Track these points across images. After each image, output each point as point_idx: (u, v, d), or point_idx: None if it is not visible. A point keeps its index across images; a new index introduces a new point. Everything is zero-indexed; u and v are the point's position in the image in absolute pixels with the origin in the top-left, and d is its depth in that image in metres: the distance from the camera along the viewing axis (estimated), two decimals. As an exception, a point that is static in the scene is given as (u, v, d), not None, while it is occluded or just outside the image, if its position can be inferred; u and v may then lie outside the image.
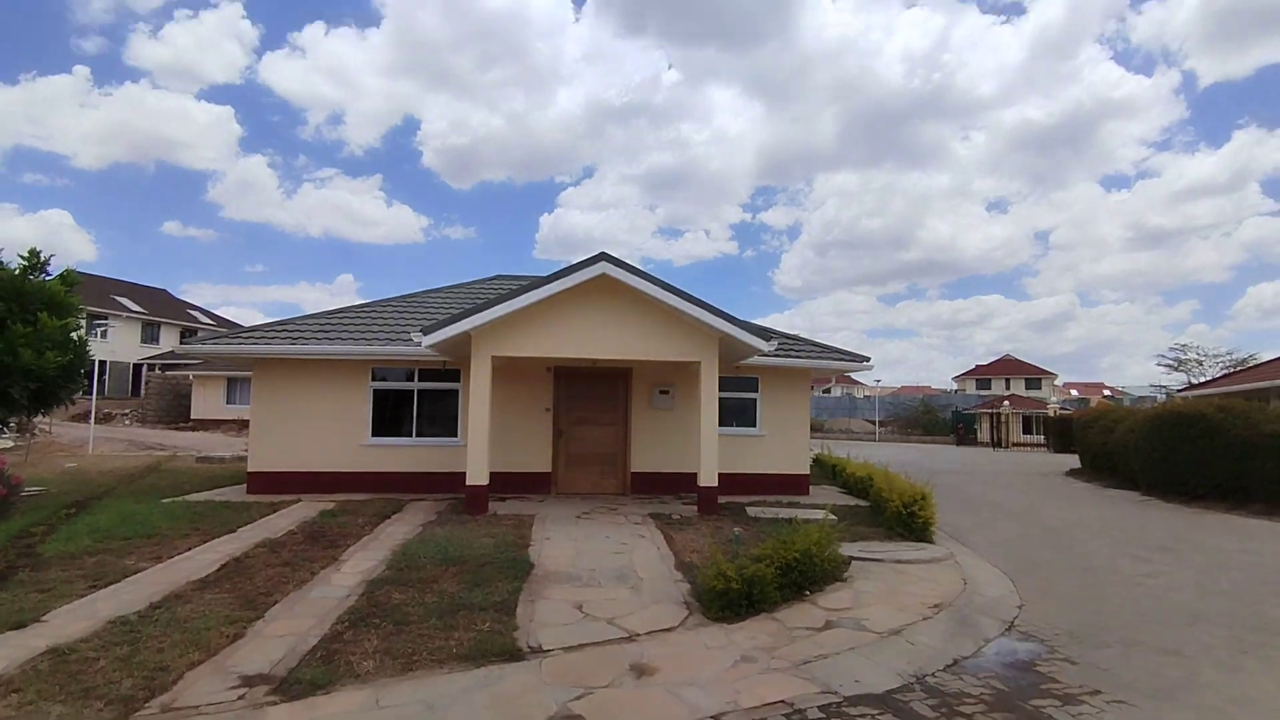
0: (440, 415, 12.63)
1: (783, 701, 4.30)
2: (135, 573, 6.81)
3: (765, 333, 10.06)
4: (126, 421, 33.96)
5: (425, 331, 9.59)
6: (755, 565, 6.12)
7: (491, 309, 9.61)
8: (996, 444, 40.93)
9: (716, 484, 10.35)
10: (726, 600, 5.85)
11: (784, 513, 10.31)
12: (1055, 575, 7.79)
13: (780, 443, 12.94)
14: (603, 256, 9.82)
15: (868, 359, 12.73)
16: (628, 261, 9.95)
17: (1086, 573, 7.95)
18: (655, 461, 12.58)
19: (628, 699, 4.31)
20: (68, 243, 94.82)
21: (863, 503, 11.98)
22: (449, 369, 12.45)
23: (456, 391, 12.53)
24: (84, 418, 31.75)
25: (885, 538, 9.13)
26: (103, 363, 44.57)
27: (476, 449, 9.98)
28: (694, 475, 11.84)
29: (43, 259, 10.66)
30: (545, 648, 5.12)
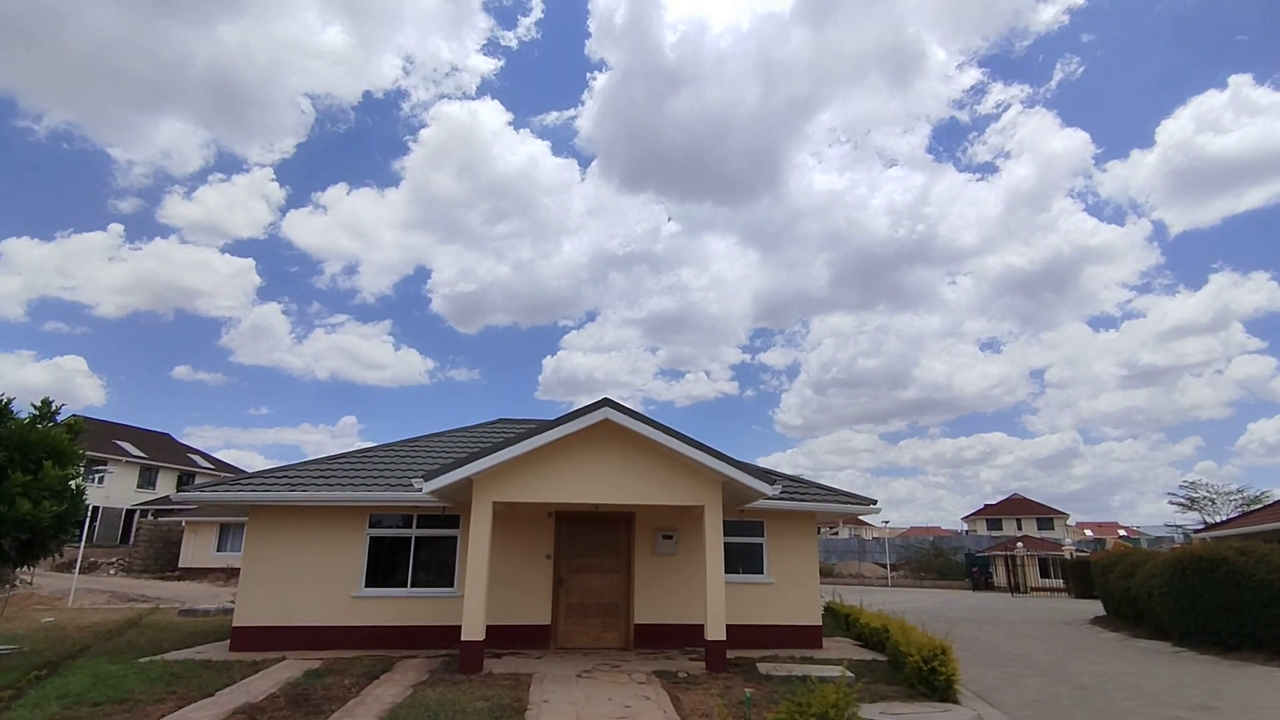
0: (437, 563, 12.25)
1: None
2: (103, 744, 6.34)
3: (769, 476, 9.98)
4: (111, 570, 32.83)
5: (427, 478, 9.53)
6: (770, 731, 5.70)
7: (494, 455, 9.61)
8: (1014, 589, 39.23)
9: (724, 637, 9.85)
10: (739, 773, 5.41)
11: (797, 669, 9.73)
12: (1092, 740, 7.22)
13: (790, 590, 12.43)
14: (605, 402, 9.95)
15: (874, 501, 12.51)
16: (630, 406, 10.08)
17: (1126, 737, 7.38)
18: (660, 612, 12.03)
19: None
20: (78, 388, 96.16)
21: (880, 657, 11.33)
22: (448, 515, 12.23)
23: (455, 538, 12.24)
24: (68, 567, 30.79)
25: (907, 697, 8.56)
26: (96, 508, 43.78)
27: (473, 601, 9.60)
28: (700, 626, 11.30)
29: (53, 409, 10.80)
30: (542, 831, 4.68)
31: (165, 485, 46.61)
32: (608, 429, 10.12)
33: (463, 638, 9.50)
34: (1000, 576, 42.85)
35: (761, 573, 12.60)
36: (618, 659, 10.85)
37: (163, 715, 7.36)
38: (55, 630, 15.29)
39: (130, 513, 43.93)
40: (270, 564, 11.59)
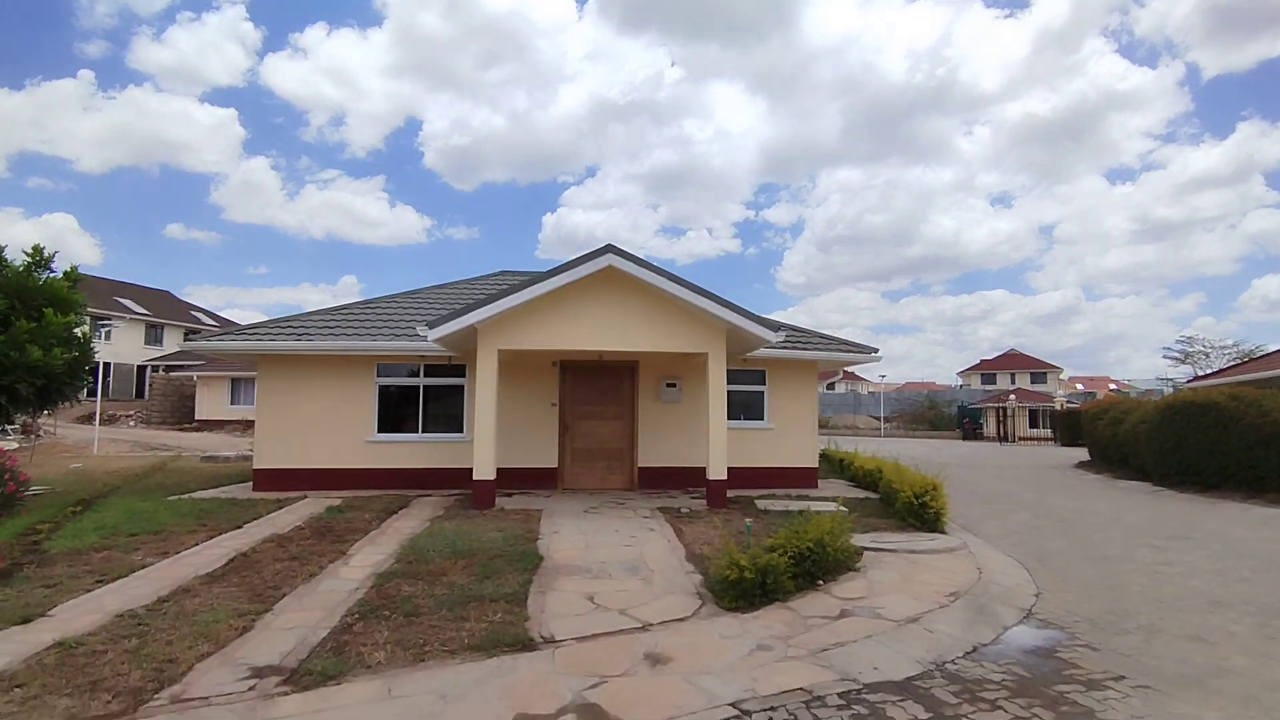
0: (446, 411, 12.57)
1: (801, 689, 4.22)
2: (142, 568, 6.75)
3: (772, 323, 9.97)
4: (131, 423, 34.00)
5: (431, 325, 9.52)
6: (769, 555, 6.03)
7: (497, 302, 9.54)
8: (1003, 438, 40.79)
9: (725, 477, 10.27)
10: (740, 590, 5.77)
11: (794, 505, 10.23)
12: (1071, 564, 7.69)
13: (789, 436, 12.85)
14: (609, 248, 9.73)
15: (875, 350, 12.62)
16: (634, 253, 9.86)
17: (1103, 562, 7.85)
18: (663, 456, 12.50)
19: (644, 688, 4.23)
20: (72, 246, 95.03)
21: (873, 495, 11.88)
22: (454, 365, 12.38)
23: (462, 387, 12.47)
24: (88, 419, 31.81)
25: (897, 529, 9.04)
26: (107, 364, 44.59)
27: (483, 443, 9.91)
28: (702, 470, 11.77)
29: (46, 256, 10.62)
30: (558, 638, 5.05)
31: (172, 342, 47.18)
32: (611, 276, 9.98)
33: (474, 477, 9.91)
34: (990, 427, 44.41)
35: (762, 419, 12.96)
36: (623, 498, 11.38)
37: (196, 543, 7.80)
38: (84, 474, 16.00)
39: (141, 368, 44.82)
40: (282, 411, 11.89)
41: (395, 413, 12.36)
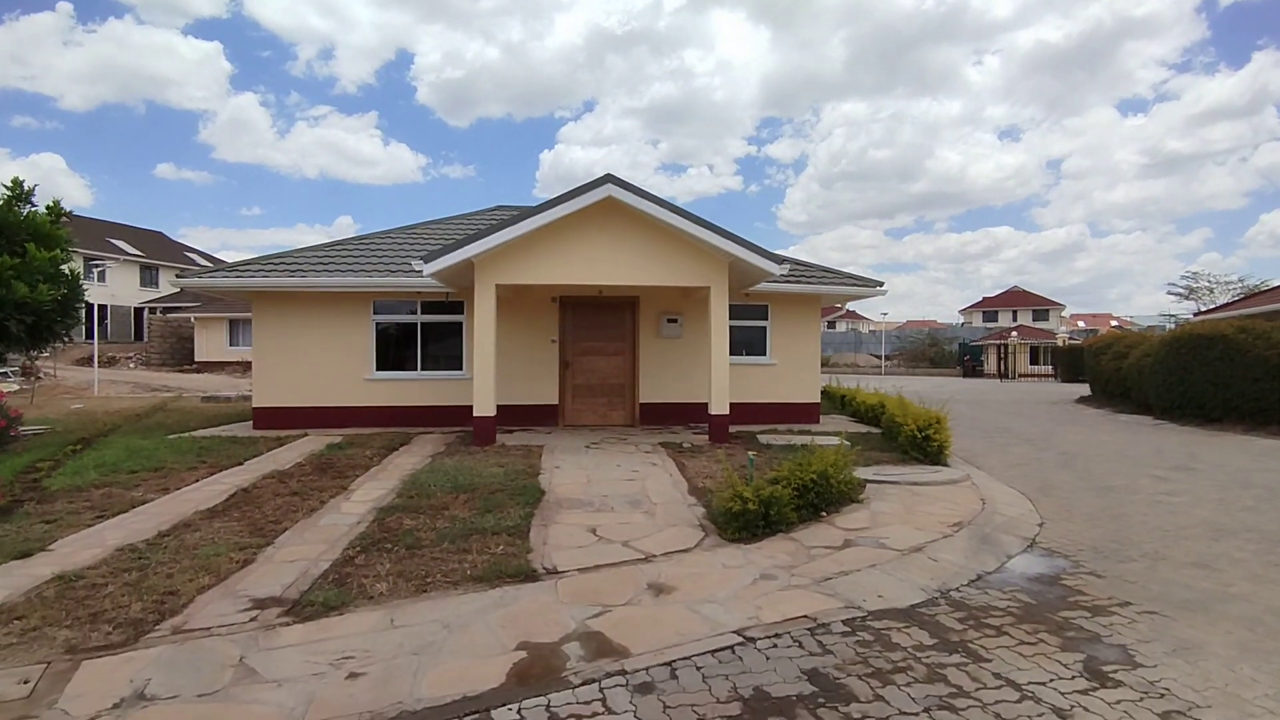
0: (445, 349, 12.44)
1: (805, 616, 4.20)
2: (143, 503, 6.73)
3: (776, 256, 9.72)
4: (131, 365, 33.99)
5: (426, 260, 9.28)
6: (772, 487, 5.98)
7: (494, 235, 9.28)
8: (1004, 375, 40.86)
9: (728, 412, 10.21)
10: (743, 521, 5.74)
11: (797, 439, 10.20)
12: (1074, 495, 7.68)
13: (791, 371, 12.75)
14: (608, 178, 9.41)
15: (880, 283, 12.39)
16: (635, 184, 9.54)
17: (1106, 492, 7.83)
18: (664, 392, 12.43)
19: (647, 616, 4.21)
20: (62, 188, 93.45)
21: (875, 430, 11.86)
22: (452, 301, 12.19)
23: (461, 324, 12.30)
24: (87, 361, 31.79)
25: (900, 462, 9.01)
26: (103, 306, 44.36)
27: (483, 380, 9.81)
28: (704, 405, 11.72)
29: (27, 189, 10.29)
30: (560, 569, 5.02)
31: (167, 284, 46.64)
32: (611, 208, 9.68)
33: (474, 414, 9.84)
34: (991, 364, 44.45)
35: (764, 355, 12.84)
36: (624, 434, 11.36)
37: (197, 480, 7.78)
38: (84, 414, 16.01)
39: (139, 310, 44.60)
40: (279, 349, 11.76)
41: (394, 350, 12.23)
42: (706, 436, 10.71)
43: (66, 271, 10.29)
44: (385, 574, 4.86)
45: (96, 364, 25.63)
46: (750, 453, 7.10)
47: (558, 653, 3.71)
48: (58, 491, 7.21)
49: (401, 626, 4.05)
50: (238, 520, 6.15)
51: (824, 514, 6.44)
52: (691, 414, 12.31)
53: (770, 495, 5.86)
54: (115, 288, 44.29)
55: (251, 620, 4.12)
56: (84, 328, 30.49)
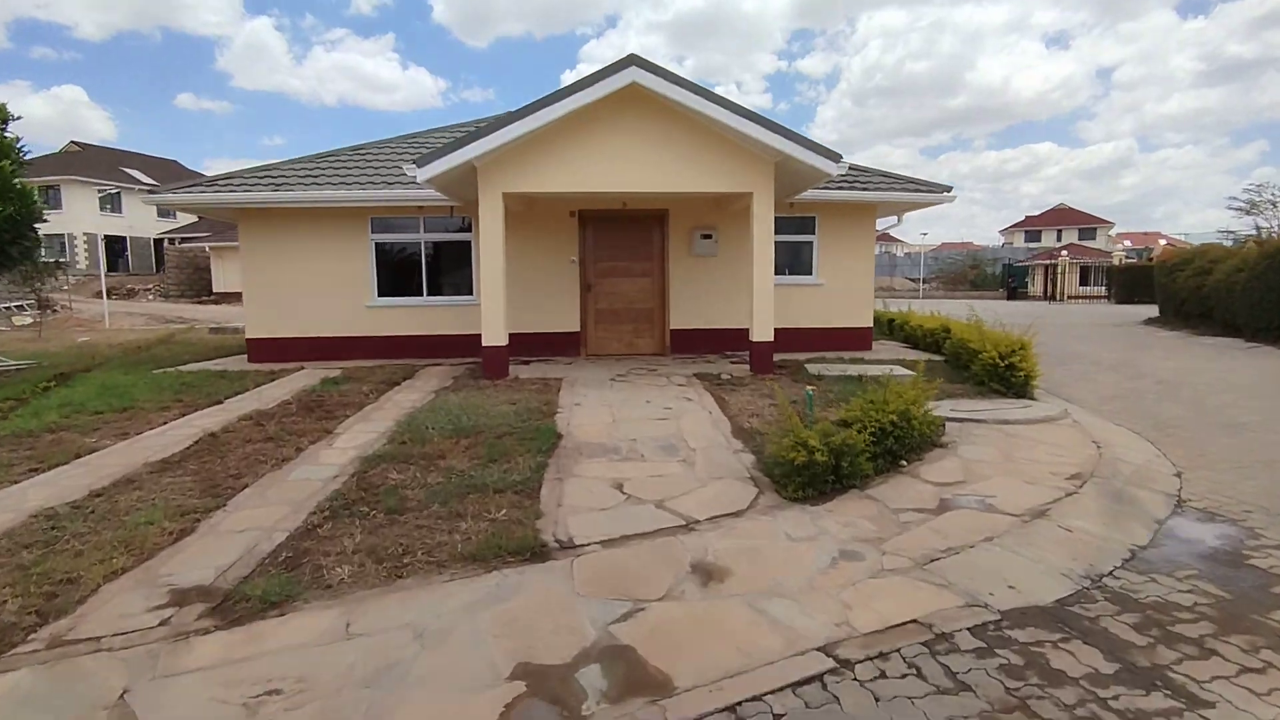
0: (453, 271, 11.20)
1: (915, 622, 3.02)
2: (91, 453, 5.73)
3: (833, 153, 8.17)
4: (149, 297, 33.44)
5: (420, 163, 7.92)
6: (843, 431, 4.74)
7: (498, 132, 7.85)
8: (1051, 296, 38.66)
9: (772, 339, 8.90)
10: (808, 476, 4.53)
11: (851, 369, 8.90)
12: (1201, 435, 6.34)
13: (840, 292, 11.31)
14: (632, 59, 7.86)
15: (948, 188, 10.76)
16: (664, 67, 7.98)
17: (1237, 431, 6.48)
18: (697, 316, 11.12)
19: (694, 619, 3.07)
20: (84, 120, 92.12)
21: (936, 357, 10.49)
22: (459, 217, 10.86)
23: (469, 244, 11.01)
24: (110, 293, 31.25)
25: (977, 395, 7.71)
26: (122, 238, 43.78)
27: (492, 305, 8.59)
28: (742, 331, 10.42)
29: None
30: (577, 541, 3.90)
31: (184, 214, 45.74)
32: (635, 97, 8.17)
33: (483, 343, 8.68)
34: (1037, 286, 42.16)
35: (810, 274, 11.39)
36: (653, 364, 10.15)
37: (165, 422, 6.78)
38: (87, 348, 15.23)
39: (158, 241, 43.89)
40: (270, 274, 10.62)
41: (396, 274, 11.03)
42: (747, 366, 9.46)
43: (18, 185, 9.11)
44: (353, 551, 3.78)
45: (106, 296, 24.94)
46: (808, 388, 5.85)
47: (570, 686, 2.59)
48: (3, 437, 6.25)
49: (359, 635, 2.96)
50: (192, 474, 5.11)
51: (904, 463, 5.21)
52: (728, 341, 11.04)
53: (843, 442, 4.62)
54: (133, 219, 43.51)
55: (162, 624, 3.07)
56: (103, 259, 29.76)
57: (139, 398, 7.79)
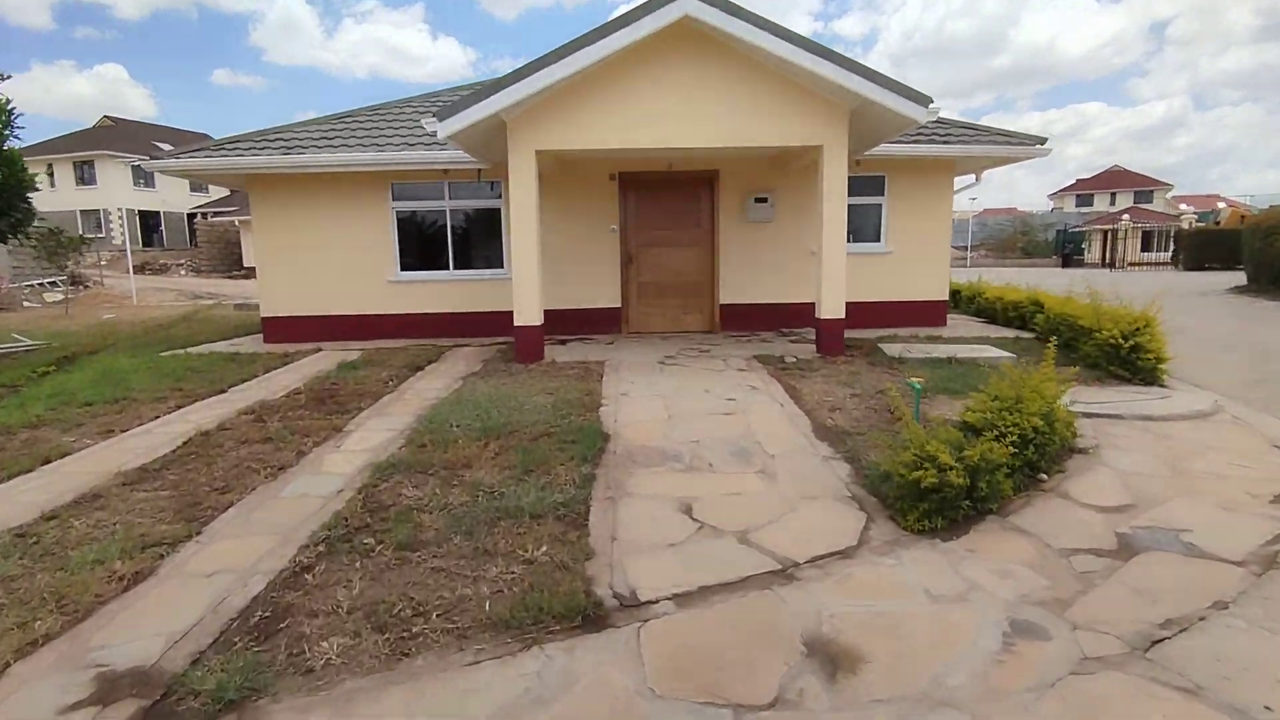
0: (482, 243, 10.23)
1: (1175, 765, 1.98)
2: (64, 455, 4.91)
3: (921, 96, 6.93)
4: (182, 272, 33.24)
5: (441, 116, 6.89)
6: (983, 443, 3.66)
7: (529, 79, 6.78)
8: (1109, 264, 36.46)
9: (843, 315, 7.79)
10: (938, 501, 3.48)
11: (937, 350, 7.74)
12: (1400, 435, 5.10)
13: (912, 261, 10.08)
14: (684, -11, 6.69)
15: (1043, 140, 9.40)
16: (720, -2, 6.79)
17: None
18: (751, 290, 10.02)
19: (832, 753, 2.07)
20: (126, 99, 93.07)
21: (1024, 334, 9.27)
22: (487, 182, 9.86)
23: (499, 211, 10.01)
24: (140, 269, 31.09)
25: (1094, 381, 6.52)
26: (156, 213, 43.78)
27: (525, 279, 7.61)
28: (800, 306, 9.38)
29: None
30: (642, 597, 2.92)
31: (215, 189, 45.49)
32: (687, 35, 7.03)
33: (515, 322, 7.71)
34: (1094, 252, 39.90)
35: (878, 241, 10.16)
36: (704, 343, 9.10)
37: (158, 416, 5.96)
38: (108, 326, 14.69)
39: (191, 216, 43.78)
40: (284, 246, 9.77)
41: (420, 247, 10.10)
42: (810, 346, 8.37)
43: (6, 151, 8.32)
44: (348, 609, 2.85)
45: (134, 272, 24.57)
46: (913, 379, 4.76)
47: None
48: (-26, 436, 5.48)
49: (340, 770, 2.02)
50: (170, 488, 4.24)
51: (1043, 477, 4.12)
52: (785, 317, 9.93)
53: (981, 457, 3.55)
54: (166, 194, 43.42)
55: (68, 741, 2.17)
56: (128, 234, 29.52)
57: (136, 386, 7.00)
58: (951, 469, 3.43)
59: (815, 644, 2.59)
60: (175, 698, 2.35)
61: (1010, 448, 3.76)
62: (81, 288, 25.17)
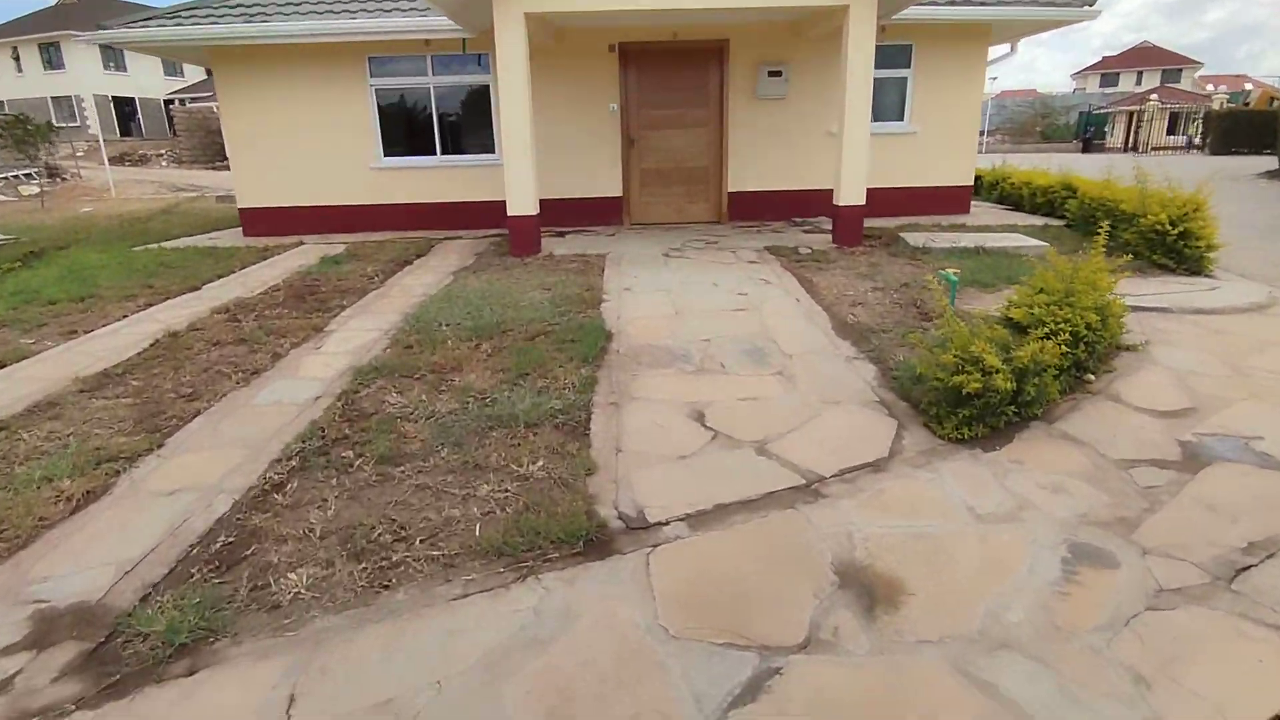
0: (471, 125, 9.43)
1: (1282, 724, 1.69)
2: (22, 359, 4.54)
3: (964, -56, 6.04)
4: (163, 163, 31.87)
5: (415, -28, 6.04)
6: (1033, 342, 3.24)
7: (514, -75, 5.88)
8: (1132, 148, 34.91)
9: (863, 202, 7.20)
10: (980, 407, 3.10)
11: (963, 239, 7.19)
12: None
13: (937, 142, 9.29)
14: None
15: (1091, 1, 8.43)
16: None
17: None
18: (761, 176, 9.31)
19: (873, 704, 1.77)
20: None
21: (1052, 221, 8.69)
22: (474, 55, 8.95)
23: (488, 89, 9.14)
24: (119, 160, 29.81)
25: (1134, 270, 6.03)
26: (131, 100, 41.52)
27: (517, 164, 6.98)
28: (814, 194, 8.75)
29: None
30: (651, 518, 2.61)
31: (192, 72, 42.97)
32: None
33: (509, 213, 7.14)
34: (1117, 136, 38.11)
35: (901, 119, 9.34)
36: (711, 234, 8.53)
37: (125, 316, 5.54)
38: (86, 220, 14.00)
39: (169, 103, 41.61)
40: (257, 130, 9.00)
41: (404, 129, 9.31)
42: (824, 237, 7.83)
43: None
44: (321, 534, 2.55)
45: (109, 163, 23.43)
46: (948, 270, 4.28)
47: None
48: (-73, 338, 5.09)
49: (304, 730, 1.74)
50: (133, 394, 3.88)
51: (1090, 377, 3.74)
52: (796, 205, 9.29)
53: (1032, 358, 3.15)
54: (140, 78, 41.00)
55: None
56: (99, 122, 28.07)
57: (104, 284, 6.54)
58: (998, 372, 3.04)
59: (848, 572, 2.28)
60: (122, 639, 2.06)
61: (1062, 347, 3.34)
62: (58, 180, 24.14)
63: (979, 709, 1.74)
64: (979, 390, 3.04)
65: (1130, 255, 6.32)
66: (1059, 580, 2.20)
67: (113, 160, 30.04)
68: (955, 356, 3.14)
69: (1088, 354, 3.69)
